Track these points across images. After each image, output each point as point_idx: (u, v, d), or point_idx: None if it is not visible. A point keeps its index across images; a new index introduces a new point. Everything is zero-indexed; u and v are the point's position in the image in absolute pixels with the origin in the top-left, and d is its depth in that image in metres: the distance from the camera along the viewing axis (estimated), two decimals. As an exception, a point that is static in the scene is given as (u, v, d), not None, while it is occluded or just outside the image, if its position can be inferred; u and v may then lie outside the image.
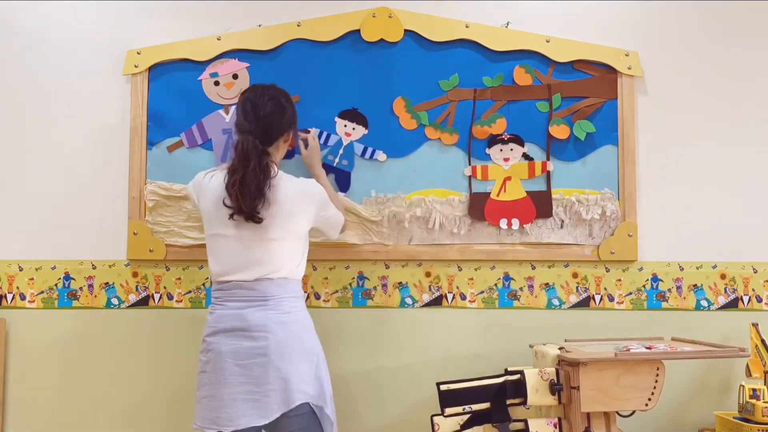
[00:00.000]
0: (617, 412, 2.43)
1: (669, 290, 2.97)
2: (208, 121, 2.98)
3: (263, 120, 2.42)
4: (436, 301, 2.97)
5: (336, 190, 2.91)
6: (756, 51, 3.01)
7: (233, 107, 2.97)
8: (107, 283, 2.98)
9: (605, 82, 2.97)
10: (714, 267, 2.98)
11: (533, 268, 2.97)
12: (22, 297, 2.97)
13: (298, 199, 2.43)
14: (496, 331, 2.95)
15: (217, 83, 2.99)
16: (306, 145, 2.84)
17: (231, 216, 2.35)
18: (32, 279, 2.98)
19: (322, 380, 2.37)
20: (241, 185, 2.32)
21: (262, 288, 2.36)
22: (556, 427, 2.42)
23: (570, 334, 2.88)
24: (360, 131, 2.97)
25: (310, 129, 2.93)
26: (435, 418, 2.49)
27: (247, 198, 2.32)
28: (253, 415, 2.27)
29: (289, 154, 2.94)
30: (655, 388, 2.38)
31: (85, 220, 2.98)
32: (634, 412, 2.43)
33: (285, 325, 2.34)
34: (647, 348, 2.45)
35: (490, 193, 2.96)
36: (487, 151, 2.97)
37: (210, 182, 2.46)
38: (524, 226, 2.94)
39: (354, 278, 2.97)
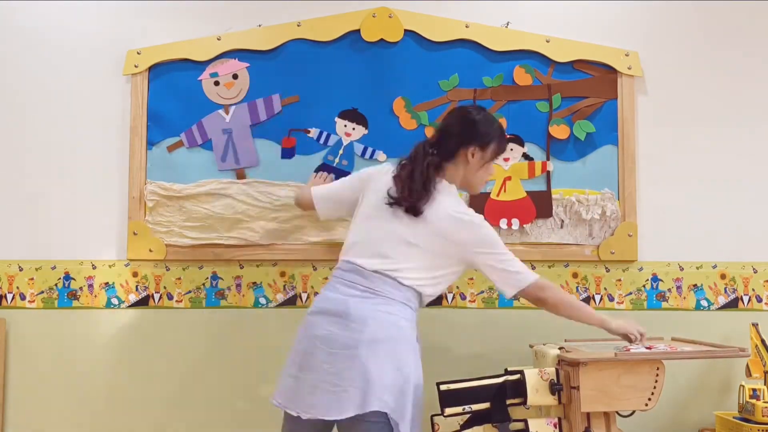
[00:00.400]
0: (617, 412, 2.43)
1: (669, 290, 2.97)
2: (208, 121, 2.98)
3: (444, 132, 2.44)
4: (436, 301, 2.96)
5: None
6: (756, 51, 3.01)
7: (233, 107, 2.97)
8: (107, 283, 2.98)
9: (605, 82, 2.97)
10: (714, 267, 2.98)
11: (533, 268, 2.97)
12: (22, 297, 2.98)
13: (449, 221, 2.34)
14: (496, 331, 2.94)
15: (217, 83, 2.99)
16: None
17: (389, 203, 2.34)
18: (32, 279, 2.98)
19: (406, 395, 2.21)
20: (410, 178, 2.33)
21: (378, 282, 2.30)
22: (556, 427, 2.42)
23: (570, 334, 2.87)
24: (360, 131, 2.97)
25: (310, 129, 2.94)
26: (435, 418, 2.48)
27: (411, 191, 2.31)
28: (328, 407, 2.17)
29: (288, 154, 2.95)
30: (655, 388, 2.38)
31: (85, 220, 2.98)
32: (634, 412, 2.42)
33: (384, 325, 2.24)
34: (647, 348, 2.45)
35: (490, 193, 2.96)
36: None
37: (381, 176, 2.44)
38: (524, 226, 2.94)
39: (354, 278, 2.96)
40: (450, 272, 2.40)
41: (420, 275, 2.34)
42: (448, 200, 2.36)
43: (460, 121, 2.42)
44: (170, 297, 2.97)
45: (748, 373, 2.78)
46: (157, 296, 2.97)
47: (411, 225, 2.32)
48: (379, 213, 2.36)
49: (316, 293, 2.94)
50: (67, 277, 2.98)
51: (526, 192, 2.95)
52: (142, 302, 2.97)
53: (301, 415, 2.21)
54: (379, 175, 2.45)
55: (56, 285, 2.98)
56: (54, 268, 2.98)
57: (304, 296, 2.97)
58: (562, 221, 2.96)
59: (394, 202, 2.33)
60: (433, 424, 2.48)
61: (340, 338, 2.22)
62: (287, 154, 2.95)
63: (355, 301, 2.27)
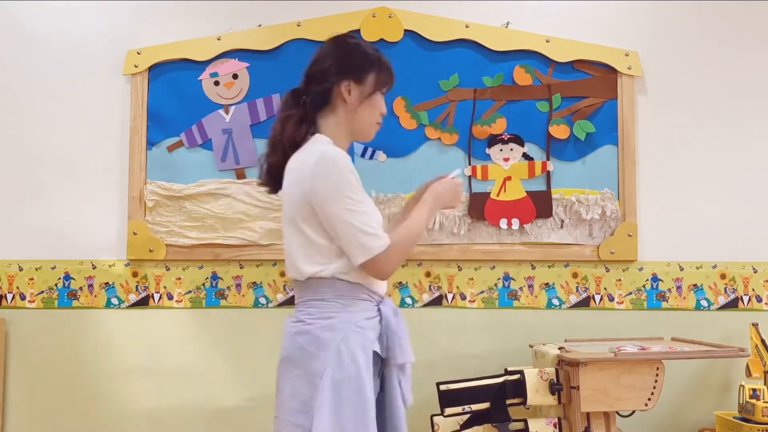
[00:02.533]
0: (617, 412, 2.43)
1: (669, 290, 2.97)
2: (208, 121, 2.98)
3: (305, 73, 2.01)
4: (436, 301, 2.97)
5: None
6: (756, 51, 3.01)
7: (233, 107, 2.97)
8: (107, 283, 2.98)
9: (605, 82, 2.97)
10: (714, 267, 2.98)
11: (533, 268, 2.97)
12: (22, 297, 2.98)
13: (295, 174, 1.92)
14: (496, 331, 2.94)
15: (217, 83, 2.99)
16: None
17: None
18: (32, 279, 2.98)
19: (322, 415, 1.76)
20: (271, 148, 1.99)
21: (296, 290, 1.95)
22: (555, 427, 2.42)
23: (570, 334, 2.87)
24: (360, 131, 2.96)
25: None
26: (435, 418, 2.49)
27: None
28: None
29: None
30: (654, 388, 2.38)
31: (85, 220, 2.98)
32: (633, 412, 2.43)
33: (292, 337, 1.87)
34: (641, 349, 2.45)
35: (490, 193, 2.96)
36: (487, 151, 2.97)
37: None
38: (524, 226, 2.94)
39: (354, 278, 2.96)
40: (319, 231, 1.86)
41: (303, 257, 1.86)
42: (301, 155, 1.89)
43: (328, 53, 1.96)
44: (170, 297, 2.97)
45: (748, 373, 2.78)
46: (157, 296, 2.97)
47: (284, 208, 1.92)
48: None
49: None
50: (67, 277, 2.98)
51: (526, 192, 2.95)
52: (142, 302, 2.97)
53: None
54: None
55: (56, 285, 2.98)
56: (54, 268, 2.99)
57: (304, 296, 2.97)
58: (562, 221, 2.96)
59: (262, 183, 1.98)
60: (433, 424, 2.49)
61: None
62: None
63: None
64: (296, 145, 1.91)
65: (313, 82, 1.95)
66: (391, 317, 1.90)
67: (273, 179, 1.96)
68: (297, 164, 1.88)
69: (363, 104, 1.95)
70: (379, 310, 1.90)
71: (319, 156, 1.83)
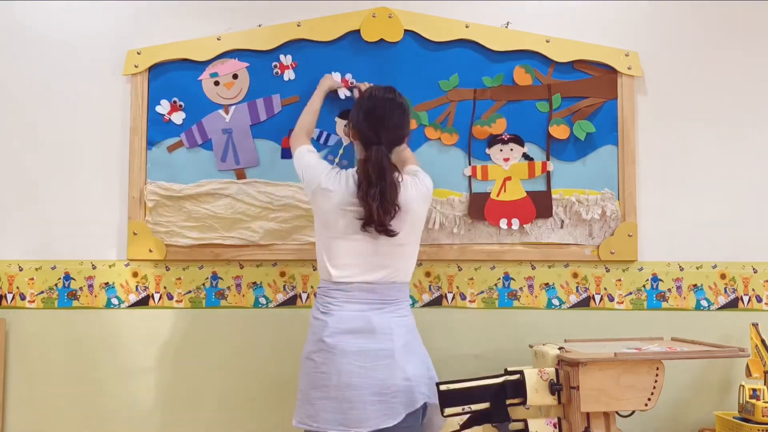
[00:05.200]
0: (617, 412, 2.43)
1: (669, 290, 2.97)
2: (208, 121, 2.98)
3: (392, 131, 2.45)
4: (436, 301, 2.97)
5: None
6: (756, 51, 3.01)
7: (233, 107, 2.97)
8: (107, 283, 2.98)
9: (605, 82, 2.97)
10: (714, 267, 2.98)
11: (533, 268, 2.97)
12: (22, 297, 2.98)
13: (420, 202, 2.47)
14: (496, 331, 2.95)
15: (217, 83, 2.99)
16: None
17: (363, 227, 2.37)
18: (32, 279, 2.98)
19: (433, 379, 2.43)
20: (382, 199, 2.33)
21: (384, 291, 2.41)
22: (555, 427, 2.42)
23: (570, 334, 2.87)
24: (360, 131, 2.96)
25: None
26: (435, 418, 2.49)
27: (386, 214, 2.34)
28: (382, 416, 2.29)
29: (288, 154, 2.94)
30: (654, 388, 2.38)
31: (85, 220, 2.98)
32: (633, 412, 2.42)
33: (405, 328, 2.41)
34: (636, 350, 2.45)
35: (490, 193, 2.96)
36: (487, 151, 2.97)
37: (336, 183, 2.43)
38: (524, 226, 2.94)
39: (354, 278, 2.96)
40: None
41: (413, 265, 2.50)
42: (407, 189, 2.45)
43: (398, 108, 2.51)
44: (170, 297, 2.97)
45: (748, 373, 2.78)
46: (157, 296, 2.97)
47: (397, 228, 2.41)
48: (358, 232, 2.39)
49: (315, 293, 2.95)
50: (67, 277, 2.98)
51: (526, 192, 2.95)
52: (142, 302, 2.98)
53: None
54: (332, 183, 2.43)
55: (56, 285, 2.98)
56: (54, 268, 2.99)
57: (304, 296, 2.97)
58: (562, 221, 2.96)
59: (366, 224, 2.37)
60: (432, 424, 2.49)
61: (374, 350, 2.33)
62: (287, 154, 2.95)
63: (374, 314, 2.37)
64: (395, 195, 2.43)
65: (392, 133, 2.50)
66: None
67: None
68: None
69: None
70: None
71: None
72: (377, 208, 2.33)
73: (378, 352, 2.33)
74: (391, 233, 2.36)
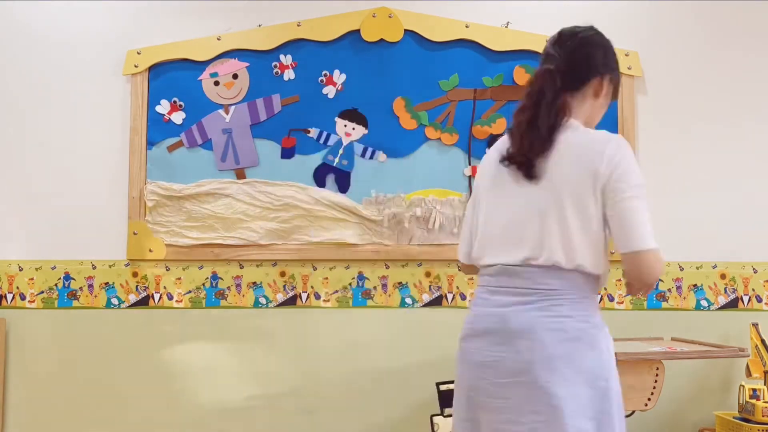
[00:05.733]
0: (617, 412, 2.43)
1: (669, 290, 2.97)
2: (208, 121, 2.98)
3: (570, 52, 1.87)
4: (436, 301, 2.96)
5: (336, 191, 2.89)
6: (756, 51, 3.01)
7: (233, 107, 2.98)
8: (107, 283, 2.98)
9: (605, 82, 2.97)
10: (714, 267, 2.98)
11: (533, 268, 2.96)
12: (22, 297, 2.98)
13: (585, 158, 1.76)
14: (496, 331, 2.94)
15: (217, 83, 2.99)
16: None
17: (503, 161, 1.81)
18: (32, 279, 2.98)
19: (613, 419, 1.65)
20: (529, 126, 1.79)
21: (531, 277, 1.71)
22: (556, 427, 2.41)
23: (570, 334, 2.87)
24: (360, 131, 2.97)
25: (310, 129, 2.94)
26: (435, 418, 2.49)
27: (533, 142, 1.77)
28: None
29: (288, 154, 2.95)
30: (654, 388, 2.38)
31: (85, 220, 2.98)
32: (633, 412, 2.42)
33: (558, 333, 1.66)
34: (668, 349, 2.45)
35: (490, 193, 2.95)
36: (488, 150, 2.97)
37: (490, 152, 1.93)
38: (524, 226, 2.93)
39: (354, 278, 2.97)
40: (603, 228, 1.71)
41: (577, 244, 1.69)
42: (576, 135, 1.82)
43: (599, 44, 1.92)
44: (170, 297, 2.97)
45: (748, 373, 2.78)
46: (157, 296, 2.97)
47: (541, 182, 1.75)
48: (499, 190, 1.82)
49: (316, 293, 2.95)
50: (67, 277, 2.98)
51: (526, 192, 2.95)
52: (142, 302, 2.97)
53: None
54: (486, 156, 1.95)
55: (56, 285, 2.98)
56: (54, 268, 2.99)
57: (304, 296, 2.97)
58: (562, 221, 2.95)
59: (508, 158, 1.80)
60: (432, 424, 2.49)
61: (507, 362, 1.68)
62: (287, 154, 2.95)
63: (513, 310, 1.70)
64: (553, 127, 1.80)
65: (578, 68, 1.87)
66: None
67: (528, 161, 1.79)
68: (582, 144, 1.79)
69: (605, 102, 1.92)
70: None
71: (617, 141, 1.78)
72: (520, 133, 1.84)
73: (512, 365, 1.68)
74: (531, 171, 1.79)
